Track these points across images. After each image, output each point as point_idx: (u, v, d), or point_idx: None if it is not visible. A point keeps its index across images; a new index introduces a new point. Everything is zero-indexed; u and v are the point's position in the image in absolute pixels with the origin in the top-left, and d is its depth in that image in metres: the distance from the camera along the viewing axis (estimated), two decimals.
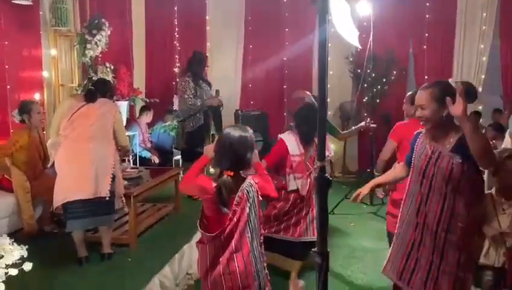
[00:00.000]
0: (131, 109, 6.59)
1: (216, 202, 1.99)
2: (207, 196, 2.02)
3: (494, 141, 4.98)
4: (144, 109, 6.67)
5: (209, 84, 5.62)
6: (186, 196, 5.03)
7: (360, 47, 4.28)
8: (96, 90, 3.72)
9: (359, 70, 7.17)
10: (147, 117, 6.66)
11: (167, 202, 4.62)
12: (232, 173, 2.02)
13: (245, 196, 2.03)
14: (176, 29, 7.92)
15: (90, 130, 3.48)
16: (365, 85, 6.67)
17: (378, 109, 7.01)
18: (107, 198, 3.40)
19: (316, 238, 3.36)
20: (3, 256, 1.83)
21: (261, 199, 2.10)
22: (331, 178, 2.25)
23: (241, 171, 2.09)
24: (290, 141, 3.41)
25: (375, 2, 5.46)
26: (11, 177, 4.02)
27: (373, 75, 6.76)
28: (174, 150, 6.86)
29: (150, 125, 6.84)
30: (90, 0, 5.90)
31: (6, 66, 4.84)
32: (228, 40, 7.79)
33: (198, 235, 3.89)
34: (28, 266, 1.82)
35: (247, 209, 2.02)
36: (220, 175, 2.04)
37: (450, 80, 2.21)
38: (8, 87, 4.87)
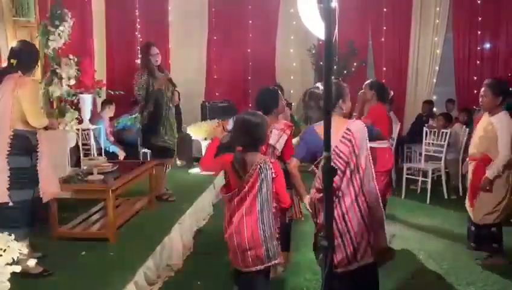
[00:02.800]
0: (94, 102, 6.43)
1: (234, 171, 2.39)
2: (228, 167, 2.42)
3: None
4: (106, 103, 6.53)
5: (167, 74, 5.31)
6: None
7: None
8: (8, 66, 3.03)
9: (321, 63, 7.39)
10: (110, 110, 6.54)
11: (138, 196, 4.59)
12: (241, 149, 2.41)
13: (257, 170, 2.36)
14: (138, 20, 7.80)
15: None
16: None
17: None
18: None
19: None
20: (2, 252, 1.81)
21: (274, 176, 2.42)
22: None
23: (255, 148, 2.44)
24: None
25: None
26: None
27: (335, 67, 6.97)
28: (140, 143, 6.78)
29: (112, 118, 6.72)
30: None
31: None
32: (191, 31, 7.77)
33: (176, 228, 3.98)
34: (32, 263, 1.82)
35: (259, 182, 2.37)
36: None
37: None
38: None
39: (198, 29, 7.80)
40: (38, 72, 5.54)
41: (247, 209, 2.39)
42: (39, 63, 5.41)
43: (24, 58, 3.07)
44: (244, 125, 2.41)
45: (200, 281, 3.55)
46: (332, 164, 2.37)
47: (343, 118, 2.66)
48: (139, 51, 7.84)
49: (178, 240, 3.97)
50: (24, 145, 2.92)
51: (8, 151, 2.86)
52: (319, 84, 2.70)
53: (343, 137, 2.51)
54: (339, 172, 2.42)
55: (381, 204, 2.63)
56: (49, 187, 3.07)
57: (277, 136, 3.55)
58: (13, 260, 1.82)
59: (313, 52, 7.51)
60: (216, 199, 5.72)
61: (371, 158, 2.58)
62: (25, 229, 2.94)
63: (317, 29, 4.11)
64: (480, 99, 3.67)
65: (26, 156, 2.93)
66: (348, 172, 2.48)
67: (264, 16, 7.68)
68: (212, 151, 2.53)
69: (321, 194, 2.47)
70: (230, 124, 2.54)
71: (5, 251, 1.80)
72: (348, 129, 2.52)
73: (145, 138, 4.95)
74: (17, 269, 1.78)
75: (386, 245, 2.68)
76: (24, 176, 2.91)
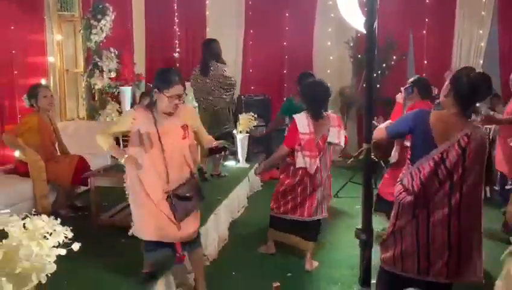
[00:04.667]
0: (133, 94, 6.59)
1: None
2: None
3: None
4: (143, 95, 6.66)
5: None
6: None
7: (364, 31, 4.37)
8: None
9: (359, 56, 7.25)
10: (147, 102, 6.66)
11: None
12: None
13: None
14: (176, 14, 7.90)
15: None
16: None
17: (379, 94, 7.12)
18: None
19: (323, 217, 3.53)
20: (48, 235, 1.89)
21: None
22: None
23: None
24: (301, 119, 3.52)
25: None
26: (26, 155, 4.01)
27: None
28: None
29: None
30: None
31: (13, 51, 4.81)
32: (228, 24, 7.78)
33: (212, 219, 4.02)
34: (76, 246, 1.89)
35: None
36: None
37: None
38: (15, 72, 4.85)
39: (235, 22, 7.81)
40: (81, 65, 5.77)
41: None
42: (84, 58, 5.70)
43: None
44: None
45: (235, 271, 3.58)
46: (428, 166, 2.05)
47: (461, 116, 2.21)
48: (176, 45, 7.99)
49: (213, 230, 4.01)
50: None
51: None
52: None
53: (458, 142, 2.14)
54: (435, 182, 2.14)
55: (481, 231, 2.32)
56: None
57: (337, 133, 3.55)
58: (59, 243, 1.89)
59: (351, 44, 7.38)
60: (251, 192, 5.75)
61: (484, 177, 2.23)
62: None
63: (356, 21, 4.03)
64: None
65: None
66: (447, 185, 2.15)
67: (301, 8, 7.59)
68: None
69: (410, 197, 2.16)
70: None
71: (51, 234, 1.88)
72: (466, 135, 2.14)
73: None
74: (63, 251, 1.85)
75: (479, 280, 2.30)
76: None
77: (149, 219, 2.72)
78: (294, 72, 7.58)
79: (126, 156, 2.71)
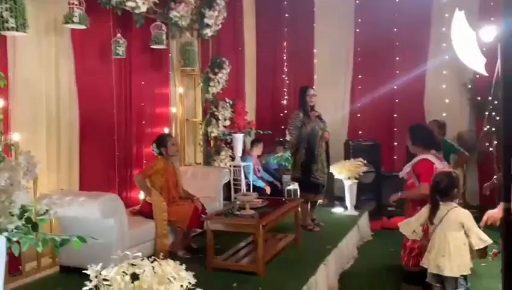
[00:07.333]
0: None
1: None
2: None
3: None
4: (254, 142, 6.94)
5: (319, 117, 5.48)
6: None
7: (486, 74, 4.08)
8: None
9: (479, 98, 6.78)
10: (258, 149, 6.92)
11: (283, 232, 4.68)
12: None
13: None
14: (285, 63, 8.21)
15: None
16: (486, 113, 6.29)
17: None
18: None
19: None
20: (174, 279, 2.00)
21: None
22: None
23: None
24: (431, 157, 3.76)
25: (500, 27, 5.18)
26: (151, 196, 4.38)
27: (495, 102, 6.32)
28: (284, 180, 6.98)
29: (260, 156, 7.09)
30: (212, 42, 6.37)
31: (142, 104, 5.37)
32: (336, 72, 7.87)
33: (322, 269, 3.94)
34: None
35: None
36: None
37: None
38: (144, 122, 5.39)
39: (343, 69, 7.88)
40: (199, 114, 6.24)
41: None
42: (201, 109, 6.19)
43: None
44: None
45: None
46: None
47: None
48: (285, 93, 8.25)
49: (323, 281, 3.91)
50: None
51: None
52: None
53: None
54: None
55: None
56: None
57: None
58: (181, 286, 2.00)
59: (469, 86, 6.95)
60: (361, 242, 5.53)
61: None
62: None
63: (476, 63, 3.79)
64: None
65: None
66: None
67: (412, 52, 7.41)
68: None
69: None
70: None
71: (175, 279, 2.00)
72: None
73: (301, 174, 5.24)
74: None
75: None
76: None
77: None
78: (405, 117, 7.36)
79: None
